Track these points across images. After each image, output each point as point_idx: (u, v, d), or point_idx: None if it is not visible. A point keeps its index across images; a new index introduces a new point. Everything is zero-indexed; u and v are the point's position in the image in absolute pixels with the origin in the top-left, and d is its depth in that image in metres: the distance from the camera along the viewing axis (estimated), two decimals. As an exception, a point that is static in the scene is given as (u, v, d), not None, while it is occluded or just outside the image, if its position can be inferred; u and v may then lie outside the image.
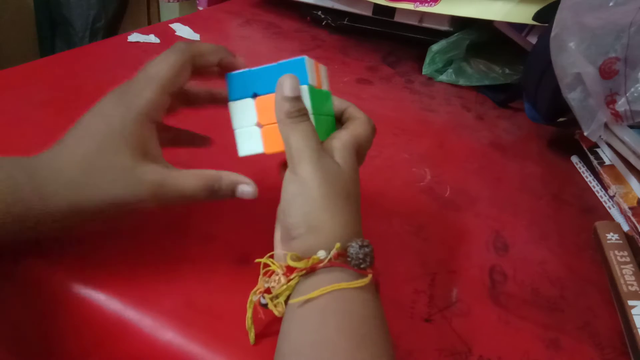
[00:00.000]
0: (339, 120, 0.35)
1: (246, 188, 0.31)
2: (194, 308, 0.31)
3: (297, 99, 0.30)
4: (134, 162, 0.28)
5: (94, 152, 0.28)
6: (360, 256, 0.27)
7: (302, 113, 0.30)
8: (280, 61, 0.32)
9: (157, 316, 0.30)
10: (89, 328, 0.32)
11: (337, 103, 0.35)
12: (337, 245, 0.28)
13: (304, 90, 0.31)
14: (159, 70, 0.30)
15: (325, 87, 0.34)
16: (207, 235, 0.37)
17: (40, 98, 0.49)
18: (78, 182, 0.28)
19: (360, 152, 0.33)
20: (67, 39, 1.56)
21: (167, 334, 0.30)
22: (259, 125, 0.32)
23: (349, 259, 0.28)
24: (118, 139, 0.28)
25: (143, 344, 0.30)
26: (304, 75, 0.31)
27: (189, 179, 0.30)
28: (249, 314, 0.30)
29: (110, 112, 0.29)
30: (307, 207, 0.29)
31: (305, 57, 0.31)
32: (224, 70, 0.33)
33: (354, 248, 0.28)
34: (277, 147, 0.32)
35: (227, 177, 0.31)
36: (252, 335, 0.30)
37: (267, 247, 0.34)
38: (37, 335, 0.34)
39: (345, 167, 0.30)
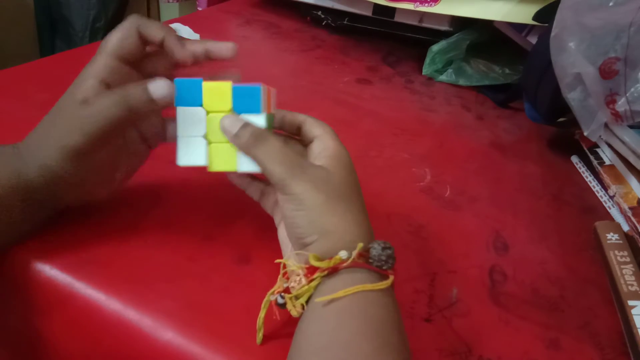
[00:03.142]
0: (296, 134, 0.35)
1: (155, 84, 0.30)
2: (194, 308, 0.31)
3: (244, 127, 0.30)
4: (75, 109, 0.30)
5: (51, 114, 0.31)
6: (383, 257, 0.27)
7: (257, 135, 0.30)
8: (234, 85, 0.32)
9: (157, 316, 0.30)
10: (89, 328, 0.32)
11: (291, 117, 0.34)
12: (360, 245, 0.28)
13: (261, 118, 0.31)
14: (106, 40, 0.32)
15: (272, 109, 0.34)
16: (207, 235, 0.37)
17: (40, 98, 0.49)
18: (38, 139, 0.31)
19: (342, 160, 0.32)
20: (67, 39, 1.56)
21: (167, 334, 0.30)
22: (206, 138, 0.32)
23: (370, 260, 0.28)
24: (70, 96, 0.31)
25: (143, 344, 0.30)
26: (258, 102, 0.31)
27: (103, 100, 0.30)
28: (262, 313, 0.29)
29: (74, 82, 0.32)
30: (312, 216, 0.29)
31: (261, 86, 0.31)
32: (165, 50, 0.33)
33: (376, 249, 0.28)
34: (222, 166, 0.32)
35: (138, 85, 0.30)
36: (260, 335, 0.30)
37: (267, 247, 0.34)
38: (36, 336, 0.34)
39: (333, 169, 0.30)
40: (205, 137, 0.32)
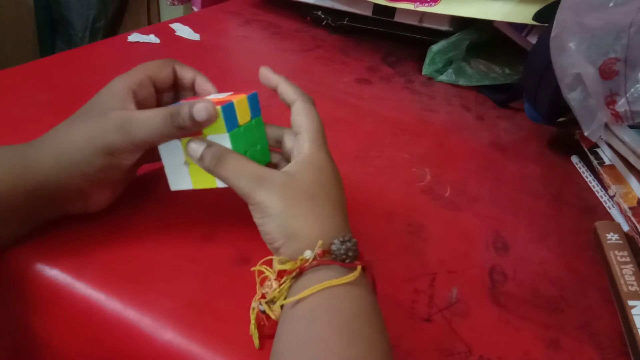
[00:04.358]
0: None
1: (199, 105, 0.30)
2: (194, 308, 0.31)
3: (209, 148, 0.31)
4: (105, 110, 0.31)
5: (78, 115, 0.32)
6: (342, 251, 0.28)
7: (218, 155, 0.31)
8: None
9: (157, 316, 0.30)
10: (89, 328, 0.32)
11: (284, 97, 0.35)
12: (320, 242, 0.28)
13: (225, 139, 0.32)
14: (147, 63, 0.35)
15: (252, 114, 0.34)
16: (207, 235, 0.37)
17: (40, 98, 0.49)
18: (58, 139, 0.31)
19: (312, 163, 0.32)
20: (67, 39, 1.56)
21: (167, 334, 0.30)
22: (187, 164, 0.33)
23: (333, 256, 0.28)
24: (98, 102, 0.32)
25: (143, 344, 0.30)
26: (234, 118, 0.32)
27: (151, 112, 0.31)
28: (252, 320, 0.30)
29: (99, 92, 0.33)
30: (277, 222, 0.29)
31: (234, 101, 0.32)
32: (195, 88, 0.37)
33: (336, 244, 0.28)
34: (205, 183, 0.33)
35: (185, 104, 0.31)
36: (256, 340, 0.30)
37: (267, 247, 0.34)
38: (36, 336, 0.34)
39: (298, 172, 0.31)
40: (185, 163, 0.33)
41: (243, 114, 0.33)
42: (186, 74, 0.36)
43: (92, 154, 0.31)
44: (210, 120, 0.31)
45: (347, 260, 0.28)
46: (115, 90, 0.33)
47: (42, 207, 0.32)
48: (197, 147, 0.31)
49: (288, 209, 0.29)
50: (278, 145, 0.36)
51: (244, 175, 0.30)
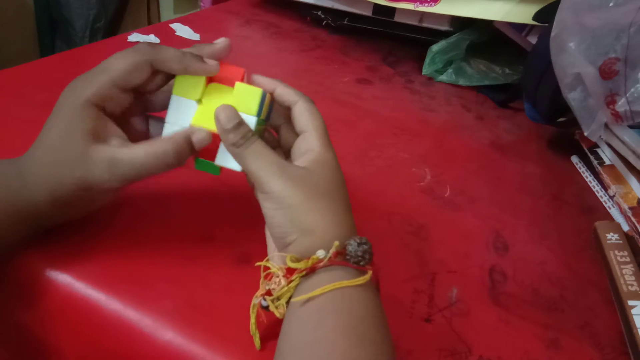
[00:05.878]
0: (286, 112, 0.34)
1: (200, 134, 0.31)
2: (194, 308, 0.31)
3: (238, 125, 0.31)
4: (85, 145, 0.29)
5: (55, 142, 0.30)
6: (359, 253, 0.27)
7: (247, 137, 0.30)
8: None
9: (157, 316, 0.30)
10: (89, 328, 0.32)
11: (282, 93, 0.33)
12: (336, 243, 0.28)
13: (251, 121, 0.31)
14: (113, 64, 0.31)
15: (266, 114, 0.34)
16: (207, 235, 0.37)
17: (40, 98, 0.49)
18: (50, 169, 0.30)
19: (327, 162, 0.32)
20: (67, 39, 1.56)
21: (167, 334, 0.30)
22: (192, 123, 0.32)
23: (347, 257, 0.28)
24: (70, 126, 0.30)
25: (143, 344, 0.30)
26: (261, 108, 0.32)
27: (139, 150, 0.30)
28: (252, 319, 0.29)
29: (64, 101, 0.31)
30: (292, 215, 0.29)
31: (267, 95, 0.32)
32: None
33: (352, 246, 0.28)
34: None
35: (179, 136, 0.31)
36: (257, 341, 0.30)
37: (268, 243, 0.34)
38: (36, 336, 0.34)
39: (314, 169, 0.30)
40: (190, 127, 0.32)
41: (265, 110, 0.33)
42: (170, 67, 0.31)
43: (88, 198, 0.31)
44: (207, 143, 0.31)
45: (361, 263, 0.28)
46: (80, 115, 0.30)
47: (36, 229, 0.32)
48: (230, 119, 0.30)
49: (306, 202, 0.29)
50: (275, 129, 0.36)
51: (266, 162, 0.30)
